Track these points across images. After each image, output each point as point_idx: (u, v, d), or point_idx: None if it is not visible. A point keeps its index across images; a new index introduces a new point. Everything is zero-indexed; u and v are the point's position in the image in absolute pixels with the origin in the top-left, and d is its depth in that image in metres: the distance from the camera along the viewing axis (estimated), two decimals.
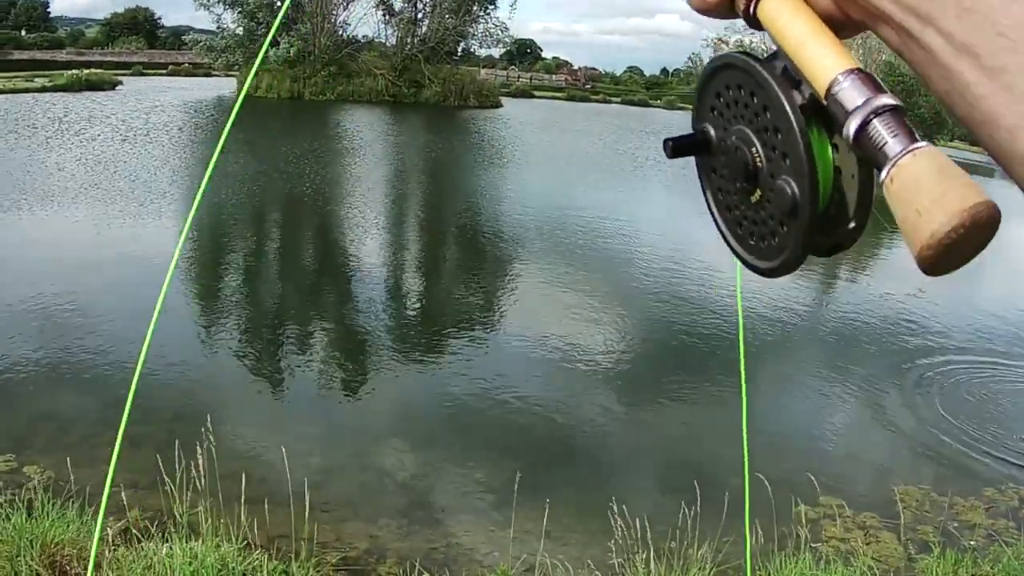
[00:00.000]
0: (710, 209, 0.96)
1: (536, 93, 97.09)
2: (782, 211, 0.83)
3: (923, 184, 0.69)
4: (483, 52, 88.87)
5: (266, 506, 6.93)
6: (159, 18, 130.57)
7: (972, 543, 8.03)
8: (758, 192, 0.86)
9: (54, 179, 23.85)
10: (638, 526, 6.78)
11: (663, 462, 9.61)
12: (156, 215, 20.38)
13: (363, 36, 72.30)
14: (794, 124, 0.80)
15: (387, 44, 71.65)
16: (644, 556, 6.72)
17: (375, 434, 9.79)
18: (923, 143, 0.71)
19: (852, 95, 0.75)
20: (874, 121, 0.73)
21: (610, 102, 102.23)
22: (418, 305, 15.58)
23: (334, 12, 68.39)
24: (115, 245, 17.59)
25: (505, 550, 7.24)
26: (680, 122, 73.88)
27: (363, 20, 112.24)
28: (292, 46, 63.63)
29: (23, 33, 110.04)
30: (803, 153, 0.79)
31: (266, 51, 4.82)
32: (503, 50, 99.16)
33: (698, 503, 7.08)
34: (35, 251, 16.79)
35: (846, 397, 11.78)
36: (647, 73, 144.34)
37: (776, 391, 11.89)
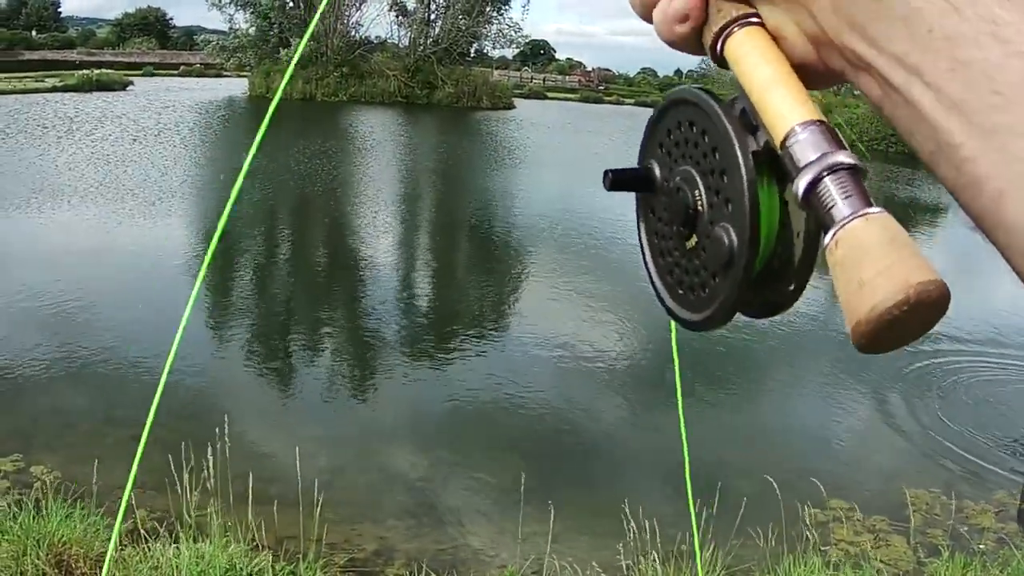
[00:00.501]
0: (642, 251, 0.92)
1: (549, 94, 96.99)
2: (717, 261, 0.77)
3: (870, 253, 0.63)
4: (496, 53, 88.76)
5: (275, 507, 6.96)
6: (170, 18, 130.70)
7: (982, 547, 8.01)
8: (694, 238, 0.81)
9: (64, 178, 23.94)
10: (647, 528, 6.77)
11: (672, 464, 9.59)
12: (166, 215, 20.45)
13: (376, 37, 72.26)
14: (742, 169, 0.74)
15: (400, 45, 71.59)
16: (652, 558, 6.71)
17: (384, 435, 9.79)
18: (877, 209, 0.66)
19: (807, 149, 0.69)
20: (826, 179, 0.68)
21: (623, 103, 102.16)
22: (429, 307, 15.58)
23: (347, 13, 68.40)
24: (125, 244, 17.65)
25: (513, 552, 7.24)
26: None
27: (376, 21, 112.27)
28: (304, 46, 63.53)
29: (34, 33, 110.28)
30: (747, 201, 0.74)
31: (298, 57, 4.76)
32: (516, 51, 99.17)
33: (713, 506, 7.06)
34: (44, 249, 16.86)
35: (855, 399, 11.75)
36: (660, 74, 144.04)
37: (786, 392, 11.89)
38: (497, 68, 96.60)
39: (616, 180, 0.88)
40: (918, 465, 9.88)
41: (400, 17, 72.05)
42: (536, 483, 8.27)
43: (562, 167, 35.35)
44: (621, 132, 53.60)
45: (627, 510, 6.91)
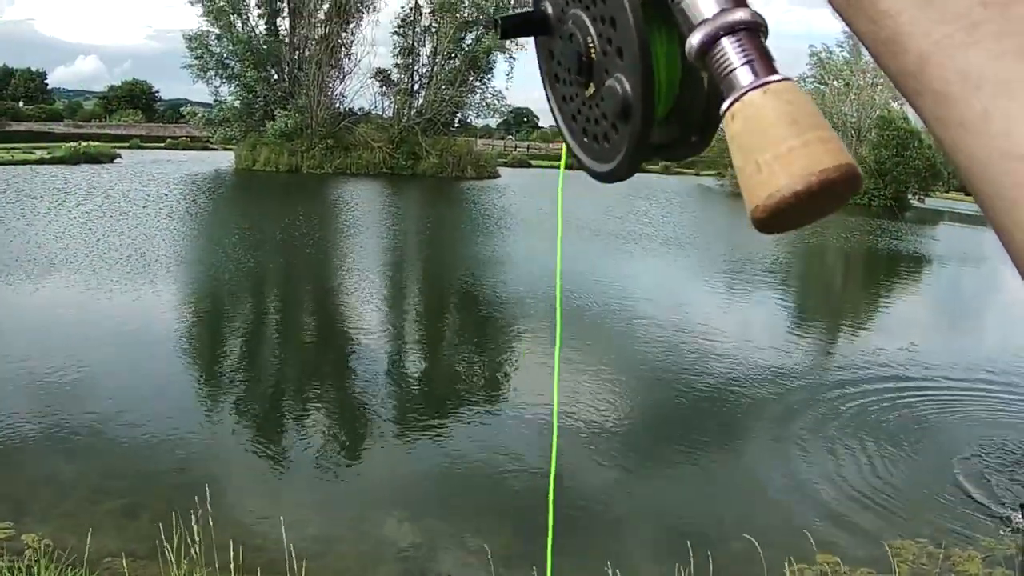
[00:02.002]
0: (547, 97, 0.86)
1: (533, 163, 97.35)
2: (614, 112, 0.72)
3: (770, 132, 0.59)
4: (480, 122, 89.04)
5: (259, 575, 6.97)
6: (157, 91, 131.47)
7: None
8: (592, 87, 0.77)
9: (53, 249, 24.00)
10: None
11: (660, 527, 9.62)
12: (153, 286, 20.46)
13: (360, 108, 72.62)
14: (629, 18, 0.69)
15: (384, 116, 71.82)
16: None
17: (373, 504, 9.81)
18: (779, 77, 0.61)
19: (701, 3, 0.64)
20: (723, 40, 0.62)
21: None
22: (417, 375, 15.62)
23: (331, 85, 68.78)
24: (112, 315, 17.69)
25: None
26: (676, 187, 74.24)
27: (360, 92, 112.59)
28: (289, 119, 63.97)
29: (21, 104, 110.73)
30: (638, 52, 0.68)
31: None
32: (500, 120, 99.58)
33: (691, 566, 7.11)
34: (34, 318, 16.90)
35: (836, 452, 11.78)
36: None
37: (767, 448, 11.93)
38: (481, 137, 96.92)
39: (507, 26, 0.82)
40: (902, 516, 9.91)
41: (384, 87, 72.40)
42: (524, 549, 8.32)
43: (548, 235, 35.51)
44: (604, 198, 53.93)
45: (610, 571, 6.95)
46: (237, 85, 66.78)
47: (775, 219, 0.59)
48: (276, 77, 68.62)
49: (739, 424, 12.83)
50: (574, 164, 0.88)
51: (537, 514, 9.54)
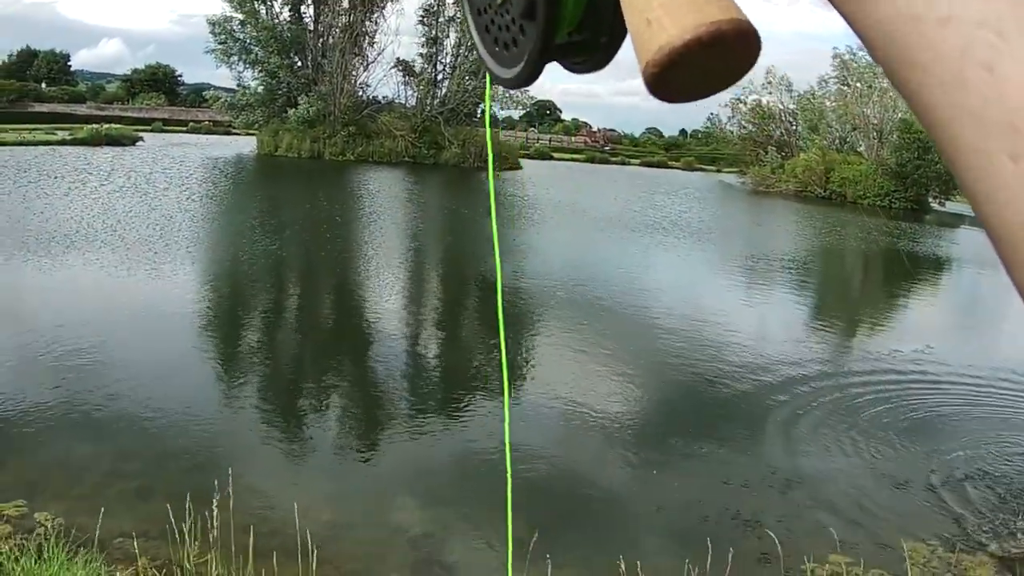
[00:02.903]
0: (463, 11, 0.86)
1: (555, 155, 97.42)
2: (520, 12, 0.72)
3: None
4: (503, 114, 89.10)
5: (274, 560, 6.96)
6: (180, 75, 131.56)
7: None
8: None
9: (73, 229, 24.06)
10: None
11: (672, 521, 9.59)
12: (173, 267, 20.49)
13: (383, 97, 72.69)
14: None
15: (407, 105, 71.85)
16: None
17: (386, 491, 9.78)
18: None
19: None
20: None
21: (628, 164, 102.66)
22: (433, 362, 15.61)
23: (354, 73, 68.79)
24: (131, 295, 17.74)
25: None
26: (697, 183, 74.19)
27: (383, 81, 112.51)
28: (312, 106, 64.04)
29: (43, 86, 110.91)
30: None
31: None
32: (522, 112, 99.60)
33: (708, 562, 7.08)
34: (53, 298, 16.92)
35: (851, 453, 11.74)
36: (666, 134, 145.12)
37: (782, 448, 11.88)
38: (503, 129, 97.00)
39: None
40: (916, 518, 9.86)
41: (407, 77, 72.46)
42: (537, 539, 8.29)
43: (569, 227, 35.47)
44: (624, 191, 53.87)
45: (623, 567, 6.92)
46: (260, 71, 66.90)
47: (666, 75, 0.57)
48: (299, 64, 68.77)
49: (755, 420, 12.77)
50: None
51: (550, 503, 9.53)
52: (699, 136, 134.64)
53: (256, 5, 66.41)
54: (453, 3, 70.17)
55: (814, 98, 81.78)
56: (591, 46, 0.75)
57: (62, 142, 56.97)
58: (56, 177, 36.75)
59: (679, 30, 0.55)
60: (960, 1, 0.45)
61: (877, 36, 0.50)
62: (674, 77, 0.57)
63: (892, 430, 12.55)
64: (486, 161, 66.84)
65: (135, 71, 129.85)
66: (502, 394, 12.97)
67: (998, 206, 0.44)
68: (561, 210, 42.02)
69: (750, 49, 0.57)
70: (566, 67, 0.79)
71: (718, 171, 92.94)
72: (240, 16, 66.24)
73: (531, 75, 0.75)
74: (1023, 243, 0.44)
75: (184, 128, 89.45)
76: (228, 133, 78.99)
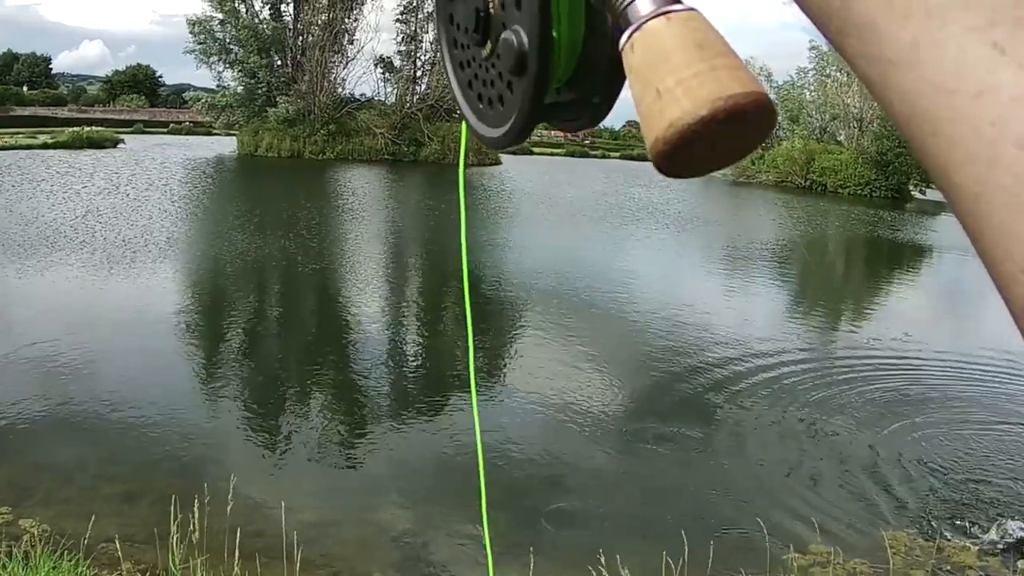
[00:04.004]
0: (444, 65, 0.84)
1: (535, 150, 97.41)
2: (509, 68, 0.69)
3: (672, 58, 0.55)
4: None
5: (258, 561, 7.00)
6: (160, 76, 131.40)
7: None
8: (489, 45, 0.73)
9: (56, 233, 24.04)
10: None
11: (652, 516, 9.65)
12: (154, 270, 20.51)
13: (362, 95, 72.69)
14: None
15: (386, 102, 71.84)
16: None
17: (370, 490, 9.83)
18: (683, 6, 0.58)
19: None
20: None
21: (609, 157, 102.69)
22: (416, 360, 15.64)
23: (333, 71, 68.80)
24: (114, 299, 17.77)
25: None
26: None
27: (362, 79, 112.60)
28: (291, 105, 64.01)
29: (25, 89, 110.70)
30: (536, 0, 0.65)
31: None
32: None
33: (685, 553, 7.14)
34: (36, 303, 16.94)
35: (830, 443, 11.81)
36: None
37: (762, 439, 11.95)
38: None
39: None
40: (897, 508, 9.93)
41: (386, 74, 72.43)
42: (519, 535, 8.36)
43: (549, 222, 35.50)
44: (601, 183, 53.92)
45: (603, 560, 6.98)
46: (240, 71, 66.83)
47: (678, 153, 0.54)
48: (279, 63, 68.75)
49: (735, 412, 12.84)
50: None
51: (535, 501, 9.59)
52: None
53: (236, 4, 66.39)
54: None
55: (793, 88, 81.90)
56: (582, 106, 0.73)
57: (44, 145, 56.92)
58: (39, 181, 36.70)
59: (693, 104, 0.53)
60: (994, 74, 0.43)
61: (900, 103, 0.47)
62: (685, 153, 0.54)
63: (871, 418, 12.63)
64: (466, 158, 66.76)
65: (116, 73, 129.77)
66: (489, 391, 13.05)
67: None
68: (539, 204, 42.05)
69: (765, 122, 0.55)
70: (556, 126, 0.77)
71: None
72: (220, 15, 66.22)
73: (518, 136, 0.72)
74: None
75: (165, 129, 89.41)
76: (209, 134, 78.86)
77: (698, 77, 0.54)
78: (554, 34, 0.67)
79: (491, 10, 0.71)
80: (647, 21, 0.57)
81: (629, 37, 0.58)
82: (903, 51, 0.46)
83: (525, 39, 0.66)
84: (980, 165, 0.43)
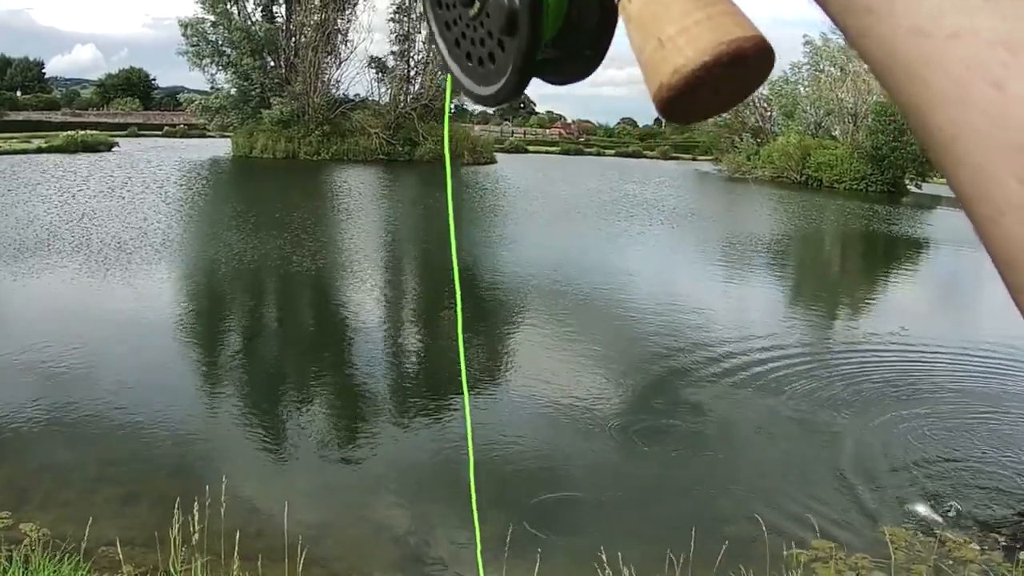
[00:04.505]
0: (429, 26, 0.81)
1: (530, 148, 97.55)
2: (499, 27, 0.68)
3: (672, 7, 0.55)
4: (476, 108, 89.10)
5: (260, 562, 6.98)
6: (154, 79, 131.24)
7: None
8: (477, 4, 0.71)
9: (52, 237, 24.02)
10: (626, 574, 6.81)
11: (653, 513, 9.63)
12: (151, 272, 20.50)
13: (356, 95, 72.62)
14: None
15: (380, 102, 71.79)
16: None
17: (371, 490, 9.81)
18: None
19: None
20: None
21: (604, 154, 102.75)
22: (414, 359, 15.63)
23: (327, 71, 68.81)
24: (111, 302, 17.74)
25: None
26: (672, 171, 74.28)
27: (356, 79, 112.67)
28: (285, 106, 64.00)
29: (18, 94, 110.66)
30: None
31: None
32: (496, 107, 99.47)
33: (691, 550, 7.13)
34: (32, 307, 16.93)
35: (831, 437, 11.80)
36: (640, 124, 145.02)
37: (764, 435, 11.94)
38: (478, 123, 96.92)
39: None
40: (897, 502, 9.91)
41: (380, 74, 72.42)
42: (521, 533, 8.33)
43: (544, 219, 35.51)
44: (596, 181, 53.91)
45: (604, 557, 6.96)
46: (233, 72, 66.80)
47: (682, 99, 0.55)
48: (272, 64, 68.73)
49: (734, 407, 12.83)
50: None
51: (534, 500, 9.57)
52: (673, 124, 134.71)
53: (228, 6, 66.34)
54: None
55: (787, 83, 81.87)
56: (573, 60, 0.72)
57: (38, 150, 56.85)
58: (33, 186, 36.68)
59: (696, 51, 0.53)
60: (969, 16, 0.44)
61: (878, 50, 0.48)
62: (689, 99, 0.55)
63: (869, 413, 12.62)
64: (461, 156, 66.92)
65: (109, 76, 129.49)
66: (490, 388, 13.05)
67: (1003, 228, 0.43)
68: (534, 201, 42.07)
69: (765, 64, 0.55)
70: (547, 80, 0.75)
71: (693, 159, 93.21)
72: (212, 17, 66.18)
73: (513, 91, 0.71)
74: None
75: (159, 132, 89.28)
76: (203, 136, 78.73)
77: (699, 24, 0.54)
78: None
79: None
80: None
81: None
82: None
83: None
84: (955, 107, 0.43)
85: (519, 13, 0.66)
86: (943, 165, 0.46)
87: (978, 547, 8.81)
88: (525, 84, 0.71)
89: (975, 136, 0.43)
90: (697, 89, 0.54)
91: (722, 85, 0.55)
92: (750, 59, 0.54)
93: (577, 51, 0.71)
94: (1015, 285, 0.43)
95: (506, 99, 0.73)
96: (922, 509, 9.70)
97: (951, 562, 8.48)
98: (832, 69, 76.81)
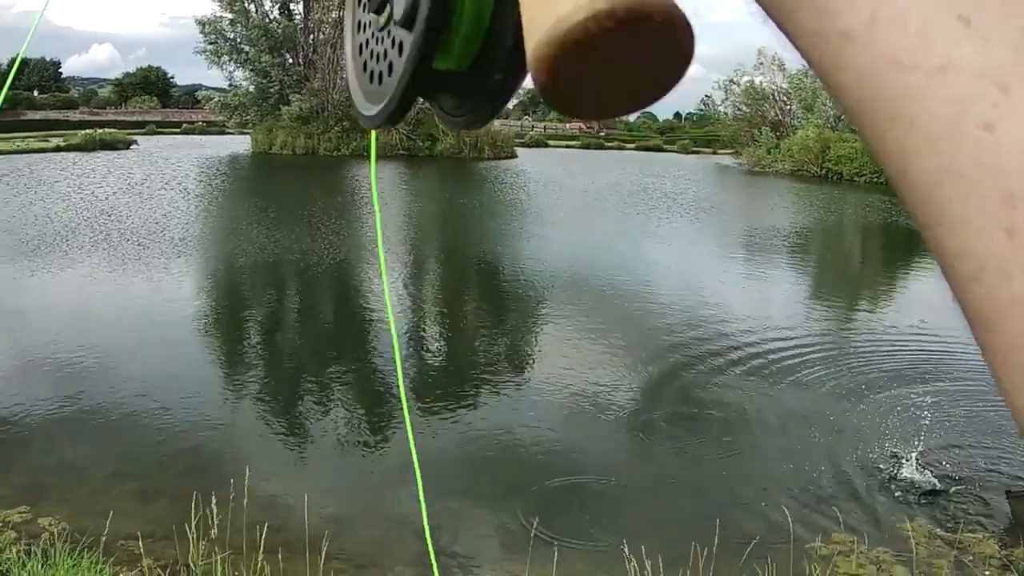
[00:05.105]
0: (344, 54, 0.76)
1: (550, 143, 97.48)
2: (401, 21, 0.59)
3: None
4: None
5: (280, 555, 6.97)
6: (171, 77, 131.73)
7: (987, 573, 8.03)
8: (388, 7, 0.62)
9: (71, 234, 24.10)
10: (650, 568, 6.78)
11: (676, 505, 9.59)
12: (171, 269, 20.52)
13: None
14: None
15: None
16: None
17: (392, 483, 9.77)
18: None
19: None
20: None
21: (625, 148, 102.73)
22: (435, 354, 15.60)
23: (345, 68, 68.89)
24: (131, 297, 17.78)
25: None
26: (692, 164, 74.21)
27: None
28: (304, 103, 64.11)
29: (35, 93, 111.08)
30: None
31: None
32: (516, 101, 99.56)
33: (714, 542, 7.10)
34: (53, 303, 16.95)
35: (851, 433, 11.72)
36: (660, 118, 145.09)
37: (784, 430, 11.88)
38: (498, 118, 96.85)
39: None
40: (918, 497, 9.84)
41: None
42: (542, 527, 8.31)
43: (566, 213, 35.44)
44: (618, 175, 53.86)
45: (627, 551, 6.93)
46: (251, 70, 66.96)
47: (566, 62, 0.43)
48: (291, 61, 68.85)
49: (756, 400, 12.77)
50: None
51: (558, 493, 9.54)
52: (694, 119, 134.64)
53: (246, 4, 66.50)
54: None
55: (807, 76, 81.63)
56: (480, 84, 0.61)
57: (57, 149, 57.06)
58: (52, 183, 36.82)
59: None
60: (958, 48, 0.40)
61: (856, 87, 0.43)
62: (575, 66, 0.43)
63: (891, 406, 12.54)
64: (481, 151, 66.98)
65: (127, 75, 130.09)
66: (512, 381, 13.02)
67: (982, 285, 0.39)
68: (554, 195, 42.04)
69: (679, 44, 0.44)
70: (443, 118, 0.66)
71: (714, 153, 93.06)
72: (230, 16, 66.36)
73: (400, 104, 0.62)
74: (1015, 326, 0.38)
75: (178, 130, 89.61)
76: (222, 133, 78.99)
77: None
78: None
79: None
80: None
81: None
82: (860, 24, 0.42)
83: None
84: (940, 149, 0.40)
85: (420, 5, 0.57)
86: (922, 216, 0.43)
87: (997, 543, 8.75)
88: (411, 95, 0.61)
89: (960, 182, 0.40)
90: (586, 53, 0.42)
91: (620, 62, 0.44)
92: (655, 25, 0.42)
93: (486, 74, 0.60)
94: (991, 346, 0.40)
95: (391, 118, 0.64)
96: (944, 503, 9.65)
97: (971, 558, 8.43)
98: None
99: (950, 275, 0.42)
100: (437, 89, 0.63)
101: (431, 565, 4.78)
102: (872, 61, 0.42)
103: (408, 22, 0.58)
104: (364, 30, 0.70)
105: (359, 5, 0.72)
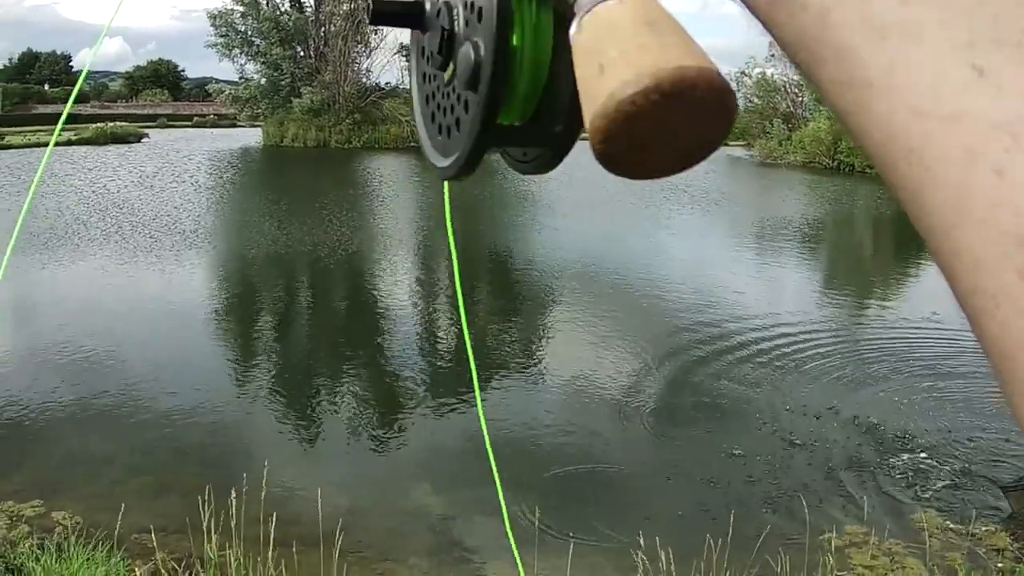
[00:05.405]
0: (412, 102, 0.79)
1: None
2: (465, 82, 0.62)
3: (619, 33, 0.49)
4: None
5: (294, 548, 6.98)
6: (182, 70, 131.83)
7: (1000, 565, 8.01)
8: (451, 67, 0.66)
9: (82, 227, 24.15)
10: (663, 560, 6.78)
11: (688, 499, 9.58)
12: (183, 261, 20.55)
13: (386, 83, 72.57)
14: None
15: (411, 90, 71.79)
16: None
17: (404, 476, 9.80)
18: None
19: None
20: None
21: None
22: (446, 346, 15.58)
23: (357, 60, 68.82)
24: (143, 291, 17.80)
25: None
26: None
27: (386, 68, 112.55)
28: (315, 95, 64.08)
29: (46, 87, 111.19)
30: (494, 6, 0.59)
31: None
32: None
33: (729, 534, 7.09)
34: (65, 296, 16.99)
35: (867, 422, 11.70)
36: None
37: (799, 419, 11.86)
38: None
39: (380, 11, 0.71)
40: (931, 489, 9.83)
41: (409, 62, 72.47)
42: (554, 519, 8.32)
43: (576, 205, 35.39)
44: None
45: (642, 542, 6.93)
46: (262, 63, 66.94)
47: (618, 132, 0.48)
48: (302, 53, 68.79)
49: (770, 392, 12.74)
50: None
51: (571, 486, 9.54)
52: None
53: None
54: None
55: None
56: (542, 135, 0.66)
57: (68, 142, 57.05)
58: (64, 176, 36.89)
59: (635, 73, 0.47)
60: (971, 97, 0.41)
61: (875, 130, 0.45)
62: (626, 134, 0.48)
63: (903, 399, 12.52)
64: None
65: (138, 68, 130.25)
66: (523, 371, 13.01)
67: (999, 321, 0.40)
68: (564, 187, 41.99)
69: (722, 107, 0.49)
70: (512, 164, 0.71)
71: (726, 145, 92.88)
72: (241, 8, 66.31)
73: (467, 160, 0.65)
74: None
75: (189, 123, 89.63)
76: (233, 126, 78.94)
77: (643, 48, 0.48)
78: (514, 42, 0.60)
79: (456, 28, 0.65)
80: (598, 4, 0.51)
81: (579, 21, 0.53)
82: (880, 73, 0.44)
83: (482, 48, 0.60)
84: (954, 193, 0.42)
85: (483, 62, 0.60)
86: (939, 253, 0.44)
87: (1010, 535, 8.74)
88: (480, 150, 0.64)
89: (973, 225, 0.41)
90: (635, 122, 0.47)
91: (669, 126, 0.48)
92: (699, 92, 0.47)
93: (548, 125, 0.65)
94: (1011, 377, 0.41)
95: (462, 170, 0.67)
96: (957, 496, 9.63)
97: (983, 550, 8.42)
98: None
99: (966, 308, 0.43)
100: (502, 142, 0.67)
101: (511, 549, 4.76)
102: (891, 108, 0.43)
103: (472, 84, 0.61)
104: (429, 81, 0.73)
105: (422, 57, 0.74)
